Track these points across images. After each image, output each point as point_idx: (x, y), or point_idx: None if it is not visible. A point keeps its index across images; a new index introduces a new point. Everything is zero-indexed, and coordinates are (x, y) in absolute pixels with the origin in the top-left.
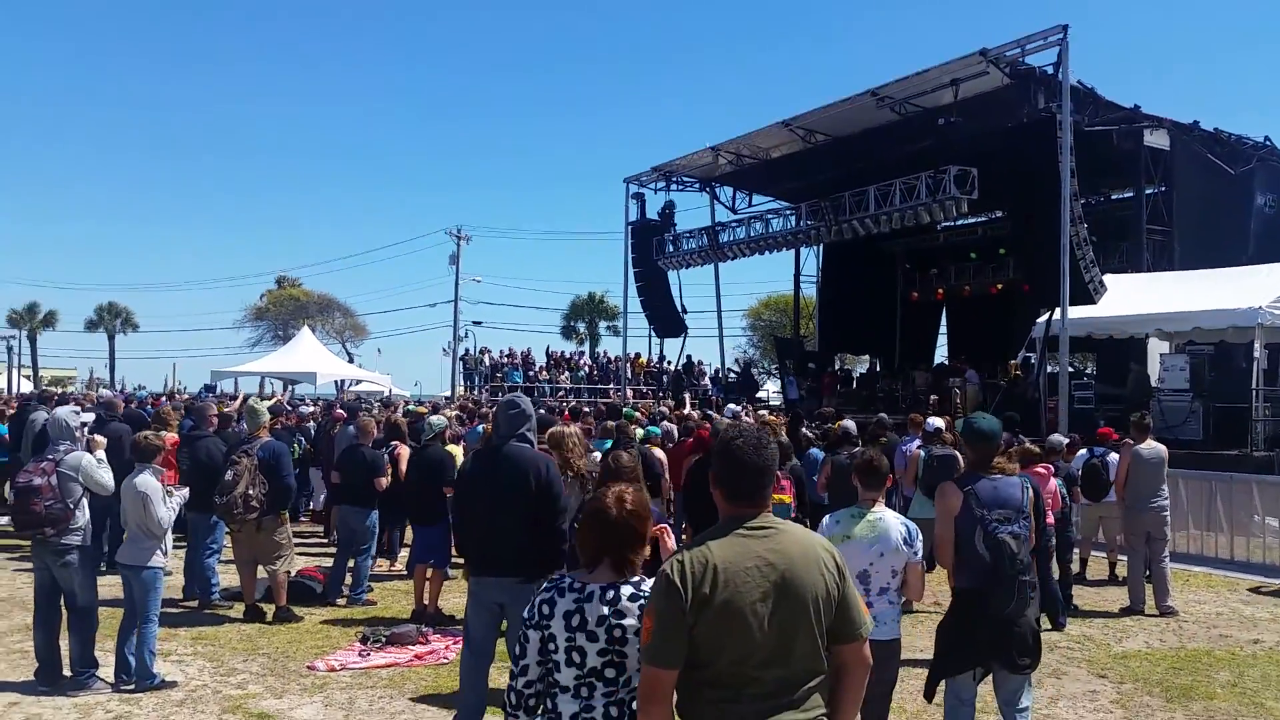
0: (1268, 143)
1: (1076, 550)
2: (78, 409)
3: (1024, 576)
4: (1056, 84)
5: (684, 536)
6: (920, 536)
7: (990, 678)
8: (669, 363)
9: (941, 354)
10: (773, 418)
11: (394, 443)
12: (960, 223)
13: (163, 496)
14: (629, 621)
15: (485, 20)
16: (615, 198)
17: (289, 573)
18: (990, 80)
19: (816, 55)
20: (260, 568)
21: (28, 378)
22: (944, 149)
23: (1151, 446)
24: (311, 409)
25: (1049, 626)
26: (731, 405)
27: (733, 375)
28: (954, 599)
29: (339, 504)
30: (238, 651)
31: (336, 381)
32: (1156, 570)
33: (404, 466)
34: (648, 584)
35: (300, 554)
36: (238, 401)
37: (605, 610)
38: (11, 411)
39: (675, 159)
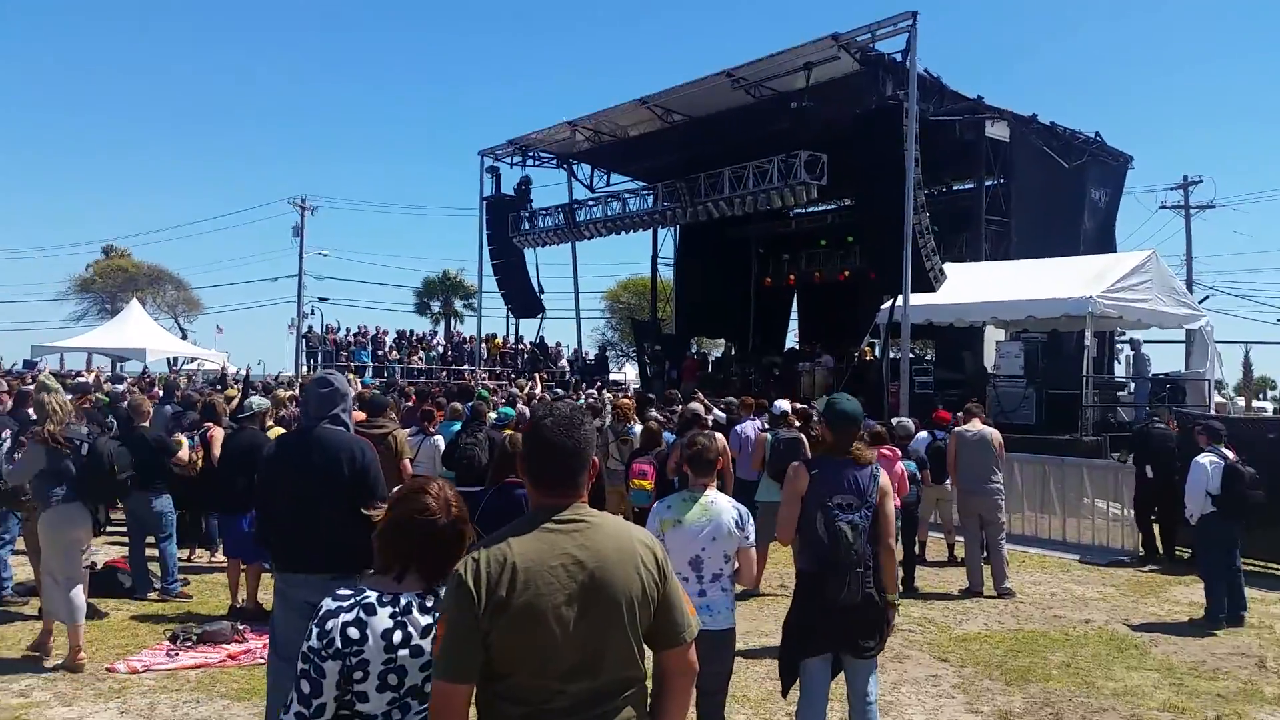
0: (1098, 138)
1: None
2: None
3: (859, 568)
4: (904, 71)
5: None
6: (752, 521)
7: (842, 672)
8: (525, 343)
9: (794, 339)
10: (626, 400)
11: (206, 424)
12: (811, 210)
13: None
14: None
15: None
16: (472, 172)
17: (91, 565)
18: (842, 66)
19: (677, 33)
20: None
21: None
22: (797, 134)
23: (976, 428)
24: (124, 387)
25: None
26: (781, 402)
27: (589, 358)
28: (797, 582)
29: None
30: (27, 654)
31: (169, 359)
32: (994, 553)
33: (216, 450)
34: None
35: (115, 544)
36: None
37: (428, 620)
38: None
39: (532, 133)
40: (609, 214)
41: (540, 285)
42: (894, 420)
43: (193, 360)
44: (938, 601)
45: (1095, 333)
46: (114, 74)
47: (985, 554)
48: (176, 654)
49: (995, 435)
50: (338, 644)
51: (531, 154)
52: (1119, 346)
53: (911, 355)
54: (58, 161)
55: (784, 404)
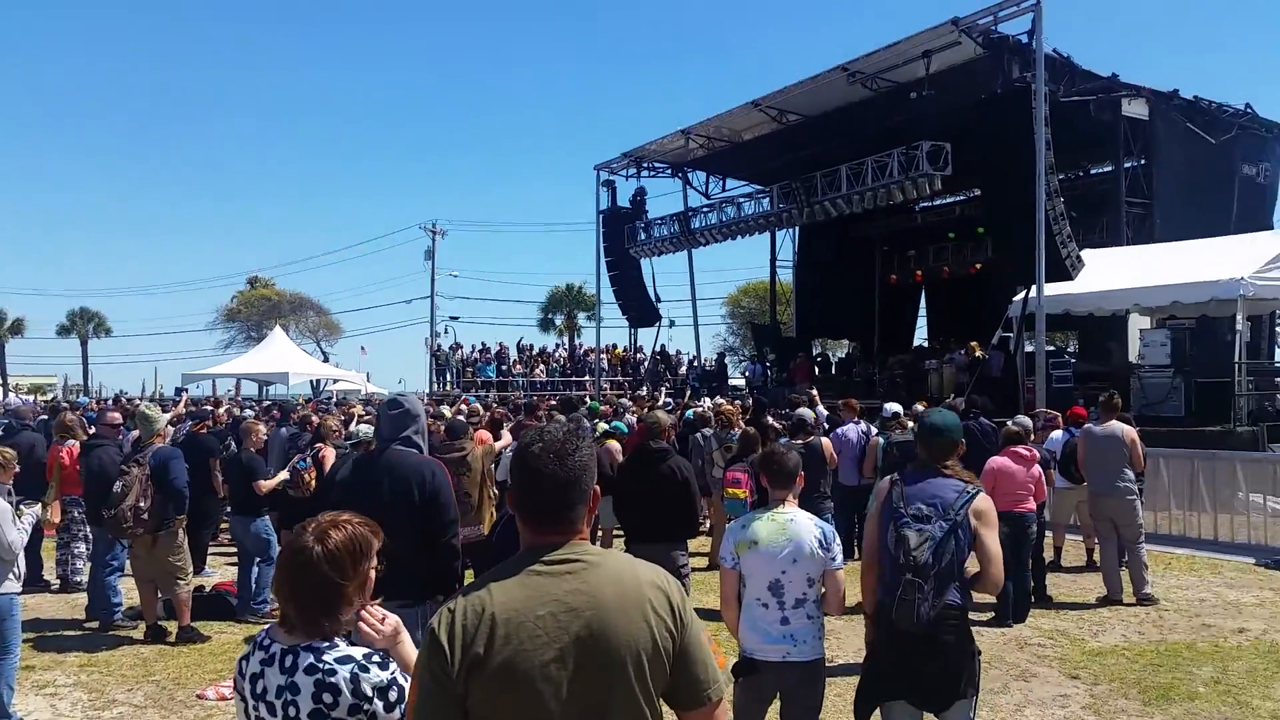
0: (1249, 110)
1: (1050, 536)
2: None
3: (924, 582)
4: (1030, 53)
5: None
6: (838, 540)
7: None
8: (644, 353)
9: (922, 336)
10: (729, 406)
11: (318, 445)
12: (938, 203)
13: (12, 518)
14: (304, 702)
15: (452, 14)
16: (590, 187)
17: (191, 589)
18: (963, 51)
19: (788, 35)
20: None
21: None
22: (918, 125)
23: (1107, 426)
24: (253, 412)
25: (1011, 619)
26: (891, 404)
27: (709, 365)
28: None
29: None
30: (126, 680)
31: (311, 381)
32: (1132, 557)
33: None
34: (346, 651)
35: (229, 564)
36: (179, 406)
37: (284, 680)
38: None
39: (646, 144)
40: (724, 219)
41: (657, 294)
42: (1016, 420)
43: (335, 381)
44: (1072, 611)
45: (1250, 316)
46: (251, 116)
47: (1124, 559)
48: None
49: (1129, 431)
50: (238, 675)
51: (646, 165)
52: (1278, 331)
53: (1051, 348)
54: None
55: (894, 406)
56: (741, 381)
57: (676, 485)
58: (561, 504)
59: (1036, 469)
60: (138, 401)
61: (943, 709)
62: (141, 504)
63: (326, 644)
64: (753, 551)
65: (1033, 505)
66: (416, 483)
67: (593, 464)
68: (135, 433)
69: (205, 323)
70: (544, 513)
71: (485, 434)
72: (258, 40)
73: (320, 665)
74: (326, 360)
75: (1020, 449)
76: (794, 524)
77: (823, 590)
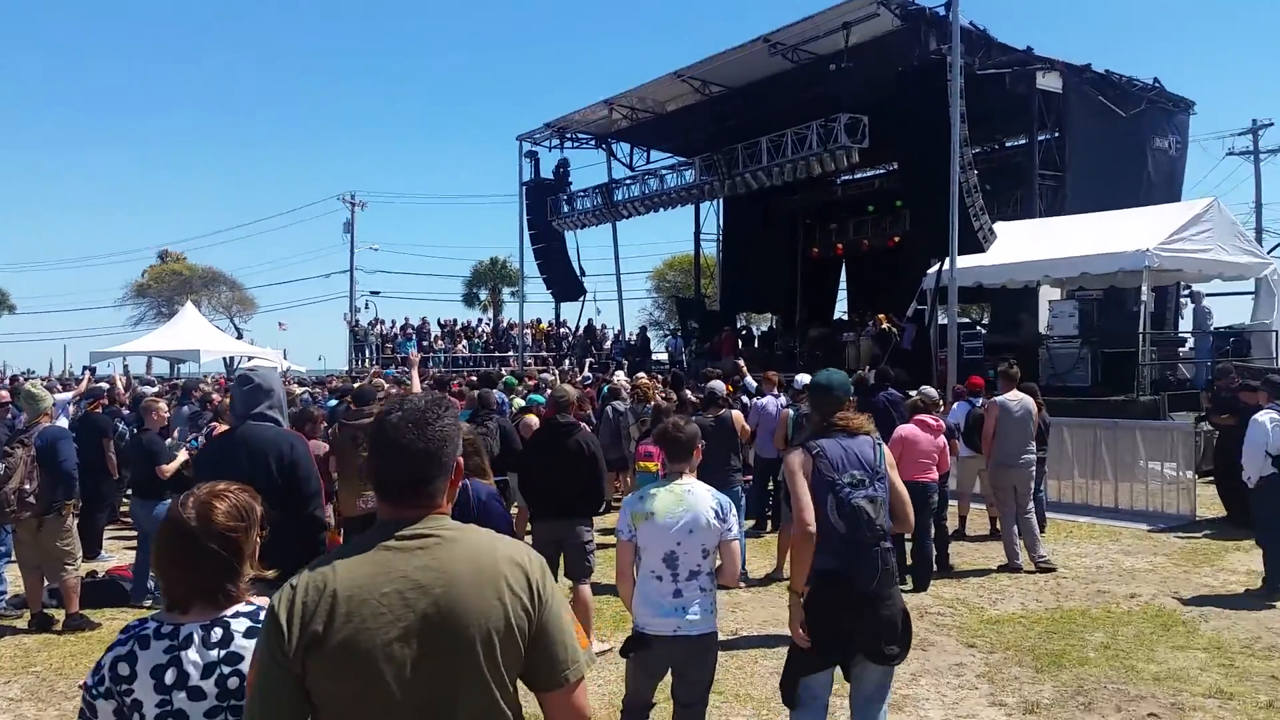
0: (1157, 84)
1: (954, 505)
2: None
3: (885, 543)
4: (947, 25)
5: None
6: (735, 511)
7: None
8: (568, 327)
9: (843, 309)
10: (645, 380)
11: (213, 424)
12: (858, 176)
13: None
14: (246, 666)
15: None
16: (514, 158)
17: (79, 575)
18: (881, 23)
19: (714, 6)
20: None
21: None
22: (838, 97)
23: (1018, 398)
24: (156, 389)
25: (911, 587)
26: (801, 376)
27: (633, 339)
28: (809, 584)
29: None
30: (3, 672)
31: (225, 359)
32: (1024, 525)
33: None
34: (251, 608)
35: (128, 548)
36: (82, 385)
37: (214, 655)
38: None
39: (568, 114)
40: (647, 192)
41: (581, 268)
42: (920, 390)
43: (250, 359)
44: (973, 579)
45: (1155, 287)
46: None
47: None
48: None
49: (1034, 405)
50: (108, 681)
51: (570, 136)
52: (1183, 301)
53: (965, 320)
54: (113, 168)
55: (804, 377)
56: (665, 356)
57: (583, 460)
58: (420, 477)
59: (941, 439)
60: (22, 380)
61: (902, 659)
62: (27, 486)
63: (230, 613)
64: (649, 523)
65: (935, 475)
66: (274, 456)
67: (455, 436)
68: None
69: (114, 299)
70: (399, 486)
71: None
72: (173, 7)
73: (258, 623)
74: (241, 337)
75: (927, 418)
76: (691, 495)
77: (718, 562)
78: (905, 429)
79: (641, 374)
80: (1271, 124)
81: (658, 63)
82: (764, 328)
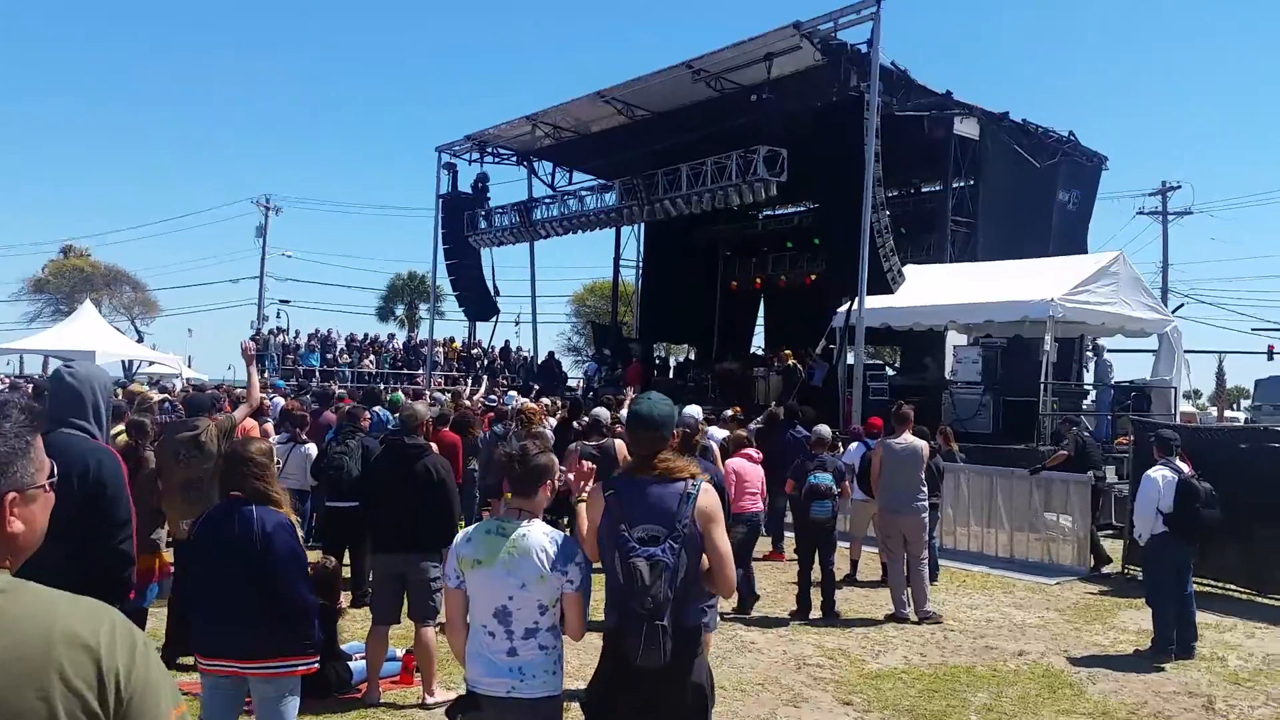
0: (1072, 137)
1: (847, 548)
2: None
3: (659, 619)
4: (868, 63)
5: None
6: (580, 557)
7: None
8: (482, 348)
9: (760, 344)
10: (531, 405)
11: None
12: (779, 212)
13: None
14: None
15: None
16: (433, 169)
17: None
18: (803, 57)
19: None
20: None
21: None
22: (758, 129)
23: (906, 440)
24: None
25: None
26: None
27: (537, 364)
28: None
29: None
30: None
31: (123, 362)
32: (915, 575)
33: None
34: None
35: None
36: None
37: None
38: None
39: (490, 128)
40: (566, 212)
41: (496, 287)
42: (813, 429)
43: (151, 364)
44: (858, 629)
45: (1059, 339)
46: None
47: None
48: None
49: (925, 447)
50: None
51: (491, 150)
52: (1087, 356)
53: (876, 361)
54: (14, 159)
55: (694, 410)
56: (579, 381)
57: (431, 487)
58: None
59: (760, 469)
60: None
61: None
62: None
63: None
64: (476, 571)
65: (761, 505)
66: (78, 473)
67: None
68: None
69: (9, 293)
70: None
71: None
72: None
73: None
74: (142, 340)
75: (750, 450)
76: (525, 539)
77: (559, 619)
78: (734, 462)
79: (535, 399)
80: (1179, 186)
81: (588, 82)
82: (681, 358)
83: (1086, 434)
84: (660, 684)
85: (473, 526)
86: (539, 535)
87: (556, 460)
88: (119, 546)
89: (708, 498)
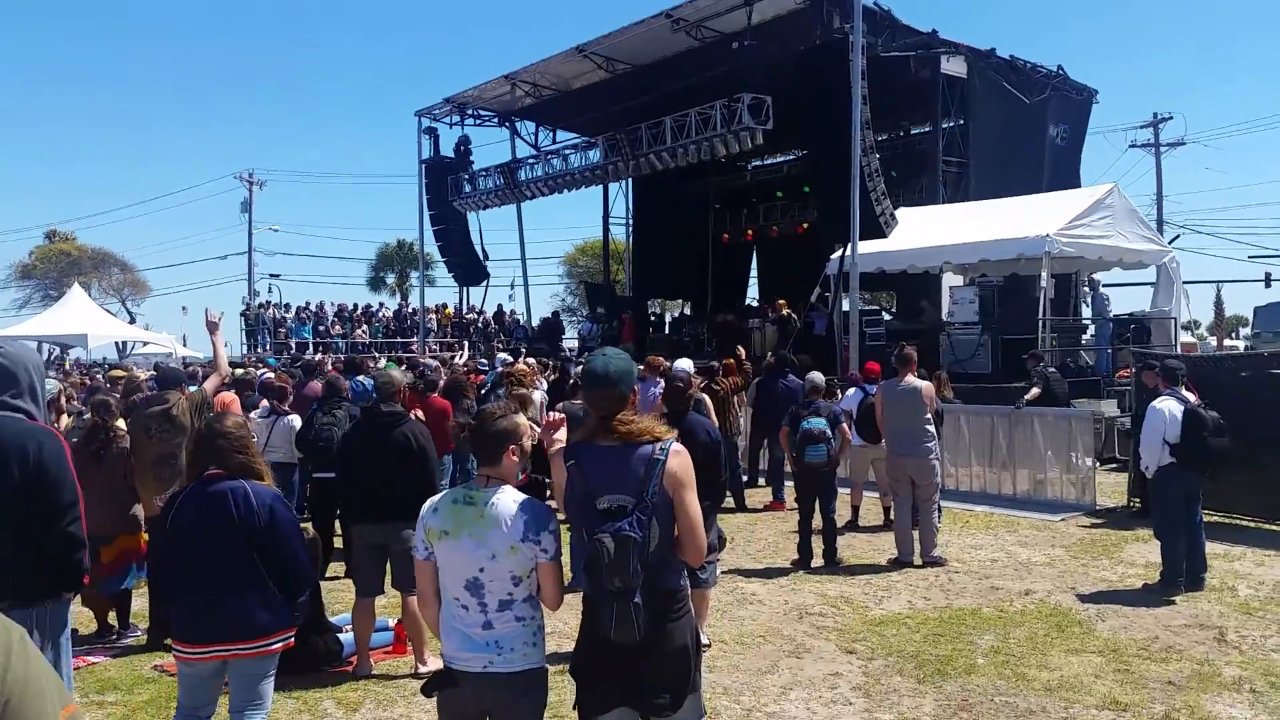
0: (1061, 72)
1: (847, 494)
2: None
3: (629, 596)
4: (850, 3)
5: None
6: (555, 525)
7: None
8: (476, 312)
9: (755, 295)
10: (521, 366)
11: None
12: (768, 161)
13: None
14: None
15: None
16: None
17: None
18: (784, 1)
19: None
20: None
21: None
22: (741, 77)
23: (907, 381)
24: None
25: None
26: (682, 362)
27: (534, 326)
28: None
29: None
30: None
31: (117, 344)
32: (924, 519)
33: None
34: None
35: None
36: None
37: None
38: None
39: (468, 89)
40: (550, 172)
41: (485, 251)
42: (805, 377)
43: (145, 344)
44: (861, 576)
45: (1056, 275)
46: (48, 49)
47: (916, 518)
48: None
49: (927, 388)
50: None
51: (471, 112)
52: (1084, 291)
53: (871, 307)
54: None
55: (685, 363)
56: (576, 342)
57: (411, 455)
58: None
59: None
60: None
61: (675, 709)
62: None
63: None
64: (444, 541)
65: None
66: (17, 456)
67: None
68: None
69: None
70: None
71: (215, 390)
72: None
73: None
74: (133, 321)
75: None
76: (494, 509)
77: (536, 588)
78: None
79: (527, 359)
80: (1171, 118)
81: (567, 39)
82: (676, 313)
83: (1052, 370)
84: (641, 652)
85: (439, 495)
86: (508, 503)
87: (523, 422)
88: (67, 529)
89: (677, 459)
